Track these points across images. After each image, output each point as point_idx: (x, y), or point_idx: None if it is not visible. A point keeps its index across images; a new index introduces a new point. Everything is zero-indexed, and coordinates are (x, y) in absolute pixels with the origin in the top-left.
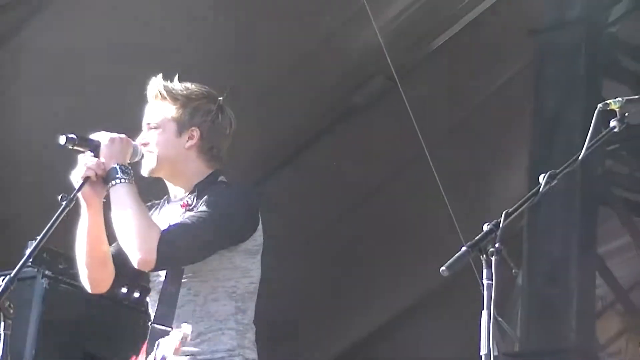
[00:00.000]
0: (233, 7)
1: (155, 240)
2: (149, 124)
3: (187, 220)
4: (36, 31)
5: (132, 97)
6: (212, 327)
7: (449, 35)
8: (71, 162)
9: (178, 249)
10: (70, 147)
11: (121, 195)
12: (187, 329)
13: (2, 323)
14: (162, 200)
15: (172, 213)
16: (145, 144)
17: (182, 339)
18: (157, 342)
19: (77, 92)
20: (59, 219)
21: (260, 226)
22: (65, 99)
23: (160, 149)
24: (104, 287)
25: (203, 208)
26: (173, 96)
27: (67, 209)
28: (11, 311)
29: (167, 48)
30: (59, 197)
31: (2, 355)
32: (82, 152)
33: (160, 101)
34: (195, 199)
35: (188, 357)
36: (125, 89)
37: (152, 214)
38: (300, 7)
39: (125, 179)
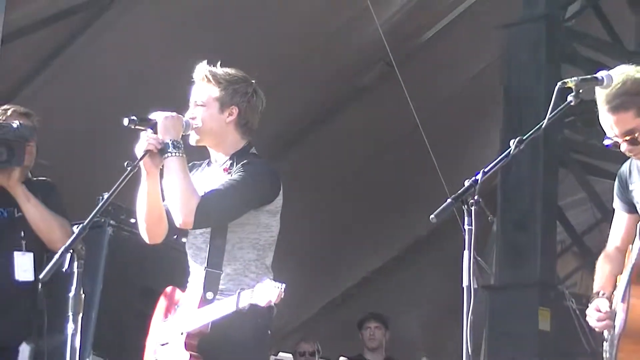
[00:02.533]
0: (260, 7)
1: (194, 205)
2: (196, 101)
3: (221, 187)
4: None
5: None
6: (237, 270)
7: (438, 29)
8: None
9: (212, 213)
10: (133, 127)
11: (171, 166)
12: (282, 286)
13: (76, 262)
14: (204, 162)
15: (213, 175)
16: (193, 118)
17: (278, 295)
18: (237, 291)
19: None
20: (125, 181)
21: (281, 192)
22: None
23: (205, 123)
24: (159, 238)
25: (235, 177)
26: (217, 80)
27: (131, 173)
28: (83, 253)
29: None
30: (125, 164)
31: (76, 288)
32: (144, 130)
33: (206, 83)
34: (233, 165)
35: (219, 293)
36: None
37: (193, 173)
38: (316, 6)
39: (176, 152)
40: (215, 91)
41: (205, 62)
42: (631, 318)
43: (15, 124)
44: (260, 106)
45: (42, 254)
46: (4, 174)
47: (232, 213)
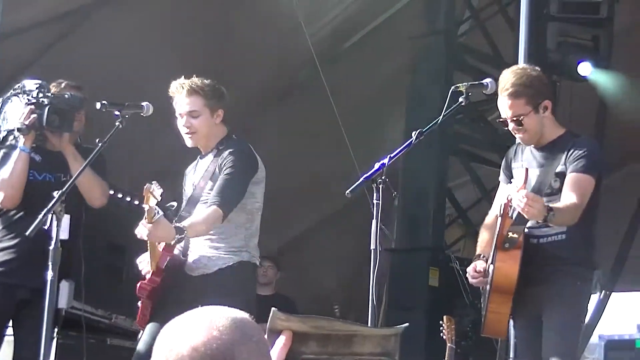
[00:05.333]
0: (221, 22)
1: (220, 214)
2: (189, 112)
3: (225, 180)
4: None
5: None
6: (229, 230)
7: (357, 38)
8: None
9: (233, 204)
10: (104, 110)
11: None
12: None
13: (56, 222)
14: (197, 159)
15: (207, 164)
16: (189, 127)
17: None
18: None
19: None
20: (95, 155)
21: (260, 164)
22: None
23: (202, 129)
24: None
25: (227, 170)
26: (203, 90)
27: (102, 148)
28: (62, 214)
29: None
30: (97, 140)
31: (55, 243)
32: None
33: (192, 95)
34: (221, 151)
35: (213, 249)
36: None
37: (191, 171)
38: (259, 22)
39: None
40: (203, 100)
41: (182, 78)
42: (496, 277)
43: (67, 94)
44: None
45: (79, 215)
46: (56, 137)
47: (243, 195)
